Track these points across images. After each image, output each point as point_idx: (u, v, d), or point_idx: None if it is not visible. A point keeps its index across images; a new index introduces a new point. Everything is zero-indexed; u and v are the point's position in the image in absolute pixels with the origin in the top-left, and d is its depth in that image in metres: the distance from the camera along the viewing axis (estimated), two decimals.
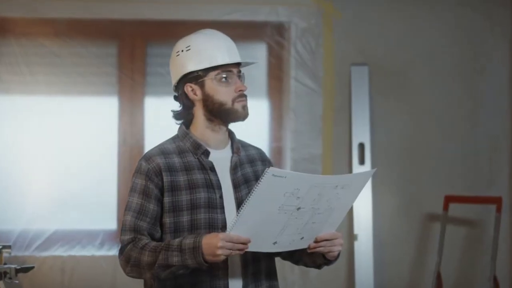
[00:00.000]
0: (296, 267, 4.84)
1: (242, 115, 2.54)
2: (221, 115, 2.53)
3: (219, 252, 2.28)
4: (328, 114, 4.96)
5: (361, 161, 4.90)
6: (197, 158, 2.54)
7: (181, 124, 2.63)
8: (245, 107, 2.54)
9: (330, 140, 4.95)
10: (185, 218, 2.48)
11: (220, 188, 2.51)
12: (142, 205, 2.48)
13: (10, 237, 4.79)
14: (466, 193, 4.93)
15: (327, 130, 4.96)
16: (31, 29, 4.86)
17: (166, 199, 2.48)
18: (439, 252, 4.77)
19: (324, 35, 4.95)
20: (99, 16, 4.89)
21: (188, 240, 2.35)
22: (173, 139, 2.61)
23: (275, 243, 2.35)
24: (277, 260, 4.84)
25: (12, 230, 4.82)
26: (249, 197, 2.21)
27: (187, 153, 2.55)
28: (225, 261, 2.45)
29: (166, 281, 2.48)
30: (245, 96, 2.54)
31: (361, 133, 4.91)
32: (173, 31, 4.76)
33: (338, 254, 2.52)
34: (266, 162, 2.74)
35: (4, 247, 4.45)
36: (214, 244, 2.29)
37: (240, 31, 4.97)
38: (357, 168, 4.88)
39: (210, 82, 2.52)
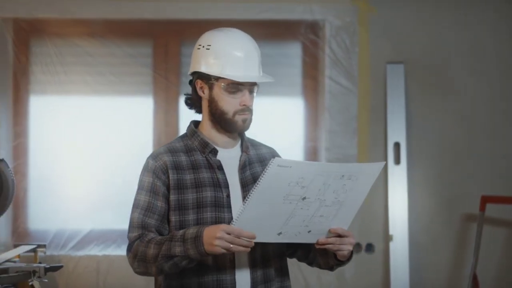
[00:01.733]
0: None
1: (240, 128, 2.54)
2: (220, 122, 2.53)
3: (216, 242, 2.26)
4: (363, 113, 4.92)
5: (397, 161, 4.85)
6: (205, 157, 2.54)
7: (190, 123, 2.64)
8: (245, 121, 2.53)
9: (366, 140, 4.91)
10: (191, 216, 2.47)
11: (227, 187, 2.50)
12: (149, 202, 2.47)
13: (46, 237, 4.83)
14: (506, 193, 4.84)
15: (363, 129, 4.91)
16: (65, 29, 4.90)
17: (172, 197, 2.48)
18: (475, 253, 4.69)
19: (359, 33, 4.91)
20: (133, 16, 4.90)
21: (192, 230, 2.35)
22: (182, 137, 2.62)
23: (280, 233, 2.33)
24: None
25: (48, 230, 4.87)
26: (254, 189, 2.20)
27: (195, 151, 2.55)
28: (232, 260, 2.45)
29: (172, 280, 2.48)
30: (249, 110, 2.52)
31: (397, 133, 4.86)
32: (207, 30, 4.74)
33: (351, 255, 2.50)
34: None
35: (39, 246, 4.52)
36: (213, 234, 2.27)
37: (274, 30, 4.98)
38: (392, 168, 4.83)
39: (218, 89, 2.51)
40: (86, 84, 4.91)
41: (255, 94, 2.56)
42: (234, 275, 2.45)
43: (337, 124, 4.90)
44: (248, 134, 4.87)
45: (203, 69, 2.51)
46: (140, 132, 4.94)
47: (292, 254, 2.65)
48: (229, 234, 2.26)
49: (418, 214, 4.89)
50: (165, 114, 4.94)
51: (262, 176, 2.18)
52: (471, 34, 4.94)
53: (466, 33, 4.94)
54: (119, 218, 4.88)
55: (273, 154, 2.73)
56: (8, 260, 3.98)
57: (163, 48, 4.97)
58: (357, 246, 4.87)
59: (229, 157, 2.56)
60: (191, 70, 2.57)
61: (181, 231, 2.38)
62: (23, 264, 3.96)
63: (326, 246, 2.40)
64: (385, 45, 4.92)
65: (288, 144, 4.99)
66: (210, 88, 2.52)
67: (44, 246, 4.56)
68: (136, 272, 2.47)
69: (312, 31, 4.95)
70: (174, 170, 2.49)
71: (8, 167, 3.79)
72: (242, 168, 2.55)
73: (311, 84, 4.99)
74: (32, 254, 4.50)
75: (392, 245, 4.80)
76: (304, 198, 2.27)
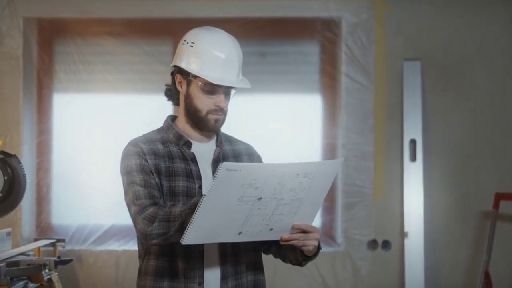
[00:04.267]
0: (348, 263, 4.83)
1: (211, 128, 2.59)
2: (193, 118, 2.58)
3: None
4: (380, 110, 4.91)
5: (413, 158, 4.83)
6: (179, 149, 2.58)
7: (167, 117, 2.70)
8: (217, 121, 2.58)
9: (382, 137, 4.91)
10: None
11: (200, 178, 2.55)
12: (145, 180, 2.50)
13: (68, 232, 4.94)
14: None
15: (379, 126, 4.91)
16: (87, 29, 5.00)
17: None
18: (488, 250, 4.66)
19: (375, 30, 4.90)
20: (153, 15, 4.98)
21: None
22: (158, 130, 2.67)
23: (240, 233, 2.35)
24: (328, 258, 4.83)
25: (70, 225, 4.98)
26: (206, 193, 2.22)
27: (170, 143, 2.60)
28: (201, 251, 2.49)
29: (150, 262, 2.53)
30: (222, 111, 2.57)
31: (413, 130, 4.85)
32: (225, 29, 4.77)
33: (318, 251, 2.50)
34: (253, 157, 2.75)
35: (58, 240, 4.62)
36: None
37: (291, 28, 5.02)
38: (408, 165, 4.82)
39: (195, 86, 2.55)
40: (107, 83, 5.00)
41: (231, 96, 2.61)
42: (203, 266, 2.50)
43: (354, 121, 4.91)
44: (268, 130, 4.92)
45: (183, 65, 2.56)
46: None
47: (267, 250, 2.69)
48: None
49: (434, 211, 4.87)
50: None
51: (212, 181, 2.20)
52: (488, 31, 4.90)
53: (483, 30, 4.91)
54: None
55: (249, 150, 2.76)
56: (22, 254, 4.09)
57: None
58: (374, 243, 4.87)
59: (203, 150, 2.61)
60: (173, 63, 2.63)
61: None
62: (33, 258, 4.07)
63: (291, 242, 2.42)
64: (402, 42, 4.91)
65: (306, 141, 5.02)
66: (188, 84, 2.57)
67: (63, 240, 4.67)
68: (149, 236, 2.41)
69: (328, 29, 4.97)
70: (152, 156, 2.54)
71: (20, 163, 3.88)
72: (215, 162, 2.60)
73: (329, 82, 5.00)
74: (52, 248, 4.62)
75: (407, 242, 4.79)
76: (260, 198, 2.28)
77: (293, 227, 2.40)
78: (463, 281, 4.88)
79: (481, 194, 4.86)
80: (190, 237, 2.28)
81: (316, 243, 2.45)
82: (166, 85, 2.70)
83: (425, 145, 4.87)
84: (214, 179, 2.20)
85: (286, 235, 2.41)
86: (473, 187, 4.88)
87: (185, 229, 2.33)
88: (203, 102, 2.55)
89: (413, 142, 4.85)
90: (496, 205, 4.68)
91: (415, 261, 4.76)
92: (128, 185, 2.52)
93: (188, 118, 2.60)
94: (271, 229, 2.38)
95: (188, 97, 2.57)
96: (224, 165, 2.18)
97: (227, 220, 2.30)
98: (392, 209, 4.87)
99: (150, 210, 2.42)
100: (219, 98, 2.55)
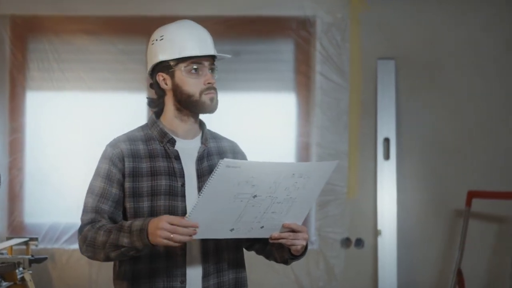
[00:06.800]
0: (321, 261, 4.84)
1: (209, 108, 2.57)
2: (189, 106, 2.56)
3: (159, 233, 2.29)
4: (354, 109, 4.94)
5: (386, 156, 4.86)
6: (163, 146, 2.57)
7: (152, 113, 2.66)
8: (213, 100, 2.56)
9: (356, 135, 4.93)
10: (145, 204, 2.51)
11: (183, 176, 2.54)
12: (104, 188, 2.51)
13: (41, 230, 4.92)
14: (497, 189, 4.83)
15: (353, 125, 4.94)
16: (61, 26, 4.98)
17: (127, 184, 2.52)
18: (460, 248, 4.70)
19: (350, 29, 4.92)
20: (128, 13, 4.96)
21: (138, 222, 2.39)
22: (142, 127, 2.65)
23: (232, 229, 2.36)
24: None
25: (43, 223, 4.95)
26: (203, 189, 2.23)
27: (154, 141, 2.58)
28: (183, 249, 2.48)
29: (126, 266, 2.52)
30: (214, 89, 2.56)
31: (387, 128, 4.88)
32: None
33: (305, 250, 2.52)
34: (238, 154, 2.73)
35: (31, 239, 4.59)
36: (156, 225, 2.31)
37: (266, 26, 5.01)
38: (382, 163, 4.85)
39: (180, 73, 2.54)
40: (81, 81, 4.98)
41: (216, 75, 2.59)
42: (185, 264, 2.50)
43: (328, 120, 4.92)
44: (243, 128, 4.91)
45: (161, 57, 2.56)
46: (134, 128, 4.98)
47: (250, 247, 2.70)
48: (172, 224, 2.29)
49: (407, 210, 4.90)
50: None
51: (211, 177, 2.21)
52: (463, 31, 4.95)
53: (458, 29, 4.95)
54: None
55: (234, 147, 2.75)
56: None
57: None
58: (347, 241, 4.89)
59: (187, 148, 2.60)
60: (149, 66, 2.61)
61: (128, 222, 2.42)
62: (7, 256, 4.04)
63: (280, 241, 2.44)
64: (376, 41, 4.94)
65: (280, 140, 5.02)
66: (172, 76, 2.56)
67: (36, 239, 4.64)
68: (84, 255, 2.51)
69: (303, 28, 4.98)
70: (131, 158, 2.54)
71: None
72: (200, 159, 2.59)
73: (303, 80, 5.02)
74: (25, 247, 4.59)
75: (380, 240, 4.82)
76: (255, 196, 2.30)
77: (283, 226, 2.43)
78: (436, 279, 4.92)
79: (454, 192, 4.90)
80: None
81: (304, 243, 2.47)
82: (147, 98, 2.68)
83: (399, 143, 4.91)
84: (212, 175, 2.21)
85: (275, 234, 2.43)
86: (446, 185, 4.92)
87: (113, 259, 2.43)
88: (193, 85, 2.54)
89: (386, 140, 4.88)
90: (468, 203, 4.72)
91: (388, 259, 4.79)
92: (87, 189, 2.57)
93: (180, 111, 2.58)
94: (262, 227, 2.40)
95: (176, 88, 2.56)
96: (224, 161, 2.20)
97: (222, 216, 2.31)
98: (366, 207, 4.89)
99: (85, 229, 2.48)
100: (207, 76, 2.55)
